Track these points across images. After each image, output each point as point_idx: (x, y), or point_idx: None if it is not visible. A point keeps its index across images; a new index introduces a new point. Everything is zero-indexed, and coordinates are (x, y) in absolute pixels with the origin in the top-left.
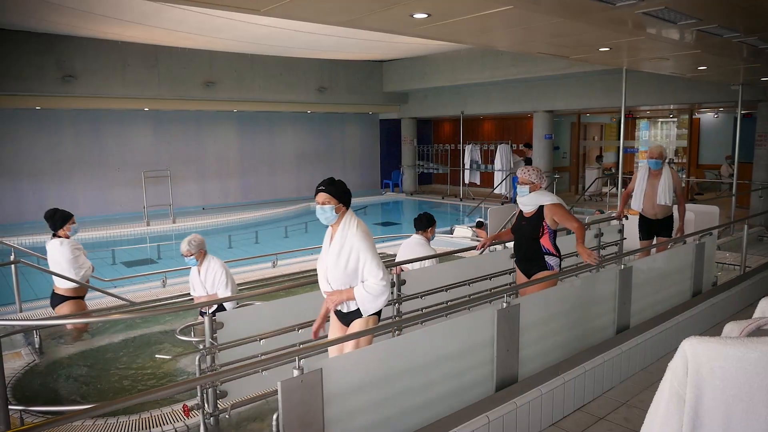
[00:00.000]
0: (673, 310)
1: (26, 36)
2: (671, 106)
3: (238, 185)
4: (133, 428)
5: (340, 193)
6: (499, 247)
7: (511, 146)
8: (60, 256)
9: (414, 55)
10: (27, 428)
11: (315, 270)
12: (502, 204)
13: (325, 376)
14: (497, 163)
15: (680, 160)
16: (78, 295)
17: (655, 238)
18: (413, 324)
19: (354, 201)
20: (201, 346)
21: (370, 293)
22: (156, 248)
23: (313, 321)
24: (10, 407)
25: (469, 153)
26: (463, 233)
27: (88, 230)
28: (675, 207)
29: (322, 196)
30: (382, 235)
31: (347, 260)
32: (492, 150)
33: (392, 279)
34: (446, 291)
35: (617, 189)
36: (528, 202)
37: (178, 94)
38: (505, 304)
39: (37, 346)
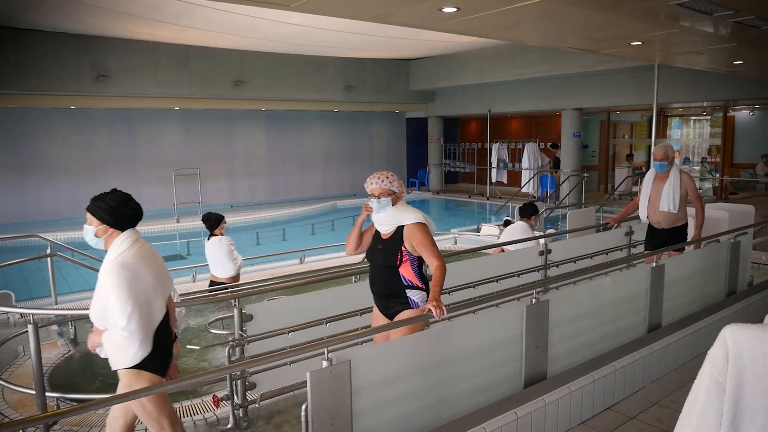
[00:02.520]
0: (707, 309)
1: (62, 37)
2: (704, 103)
3: (266, 183)
4: None
5: (100, 212)
6: (528, 244)
7: (539, 145)
8: (219, 251)
9: (441, 53)
10: (62, 412)
11: (342, 266)
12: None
13: (354, 367)
14: (525, 162)
15: (713, 159)
16: (234, 282)
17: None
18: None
19: None
20: (230, 339)
21: (112, 342)
22: (186, 244)
23: (342, 315)
24: (47, 394)
25: (496, 151)
26: (490, 231)
27: None
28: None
29: (88, 216)
30: None
31: (100, 297)
32: (519, 148)
33: None
34: (474, 287)
35: None
36: (384, 220)
37: (208, 93)
38: (534, 300)
39: (72, 336)
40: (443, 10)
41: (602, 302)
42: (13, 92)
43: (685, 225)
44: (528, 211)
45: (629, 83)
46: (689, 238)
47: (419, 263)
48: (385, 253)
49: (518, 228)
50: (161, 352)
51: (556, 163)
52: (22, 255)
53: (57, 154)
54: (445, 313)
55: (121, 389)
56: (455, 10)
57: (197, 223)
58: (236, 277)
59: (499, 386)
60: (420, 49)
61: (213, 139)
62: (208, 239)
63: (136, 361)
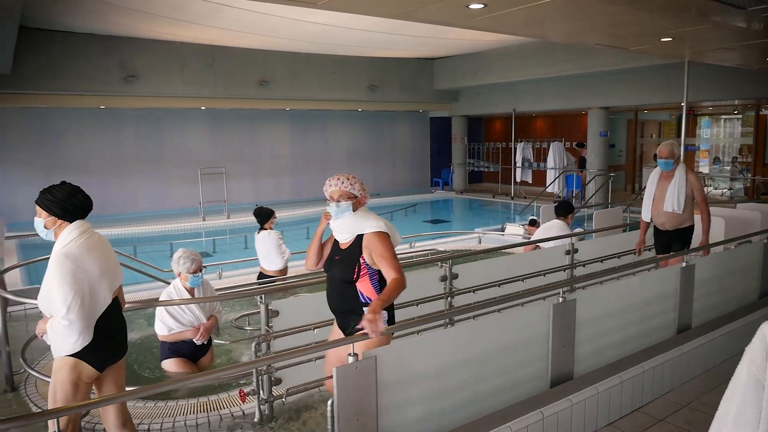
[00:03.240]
0: (739, 311)
1: (92, 38)
2: (735, 102)
3: (290, 183)
4: (191, 411)
5: (48, 204)
6: (554, 243)
7: (565, 144)
8: (268, 244)
9: (465, 52)
10: (92, 402)
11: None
12: (555, 202)
13: (379, 364)
14: (550, 161)
15: (744, 159)
16: (282, 275)
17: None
18: (466, 317)
19: (403, 199)
20: (257, 335)
21: (53, 330)
22: (212, 242)
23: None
24: None
25: (521, 151)
26: (514, 231)
27: (147, 225)
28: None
29: (36, 209)
30: (431, 232)
31: (45, 285)
32: (545, 148)
33: (446, 273)
34: (499, 286)
35: None
36: (342, 227)
37: (234, 93)
38: (561, 299)
39: None
40: (470, 6)
41: (630, 302)
42: (45, 93)
43: (691, 227)
44: (564, 210)
45: (657, 81)
46: (696, 242)
47: (381, 277)
48: (341, 265)
49: (555, 226)
50: (104, 344)
51: (582, 163)
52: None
53: (86, 154)
54: (382, 330)
55: (52, 375)
56: (482, 6)
57: (222, 221)
58: (284, 270)
59: (524, 385)
60: (444, 48)
61: (238, 138)
62: (258, 233)
63: (76, 349)
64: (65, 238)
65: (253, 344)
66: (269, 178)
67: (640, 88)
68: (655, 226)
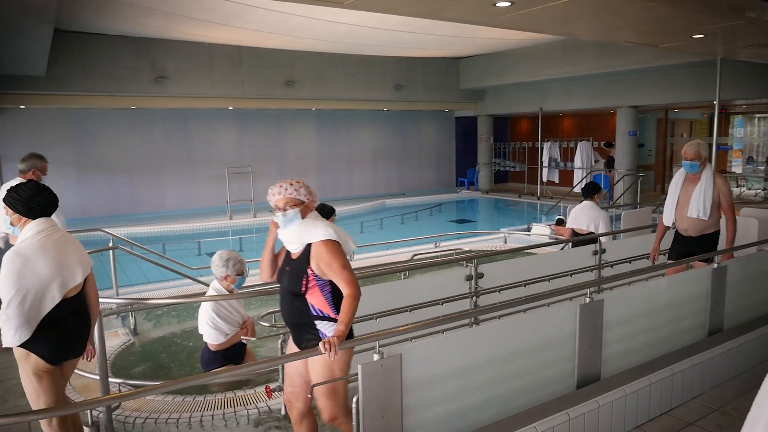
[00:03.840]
0: None
1: (123, 40)
2: None
3: (316, 182)
4: (218, 407)
5: (13, 202)
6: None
7: (593, 143)
8: None
9: (492, 51)
10: (124, 395)
11: (391, 263)
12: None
13: (405, 362)
14: (577, 161)
15: None
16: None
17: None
18: (491, 317)
19: (428, 199)
20: (282, 331)
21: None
22: (238, 241)
23: (392, 311)
24: (109, 380)
25: (548, 150)
26: (540, 231)
27: (175, 223)
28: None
29: (4, 206)
30: (456, 232)
31: None
32: (572, 147)
33: (472, 272)
34: (525, 286)
35: None
36: (291, 237)
37: (261, 93)
38: (588, 300)
39: (132, 327)
40: (497, 4)
41: (659, 304)
42: (78, 94)
43: (716, 233)
44: (591, 190)
45: (688, 79)
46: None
47: (334, 288)
48: (290, 276)
49: (585, 207)
50: (57, 339)
51: (610, 162)
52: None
53: (117, 153)
54: (336, 354)
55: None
56: (509, 4)
57: (249, 220)
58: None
59: (550, 386)
60: (470, 47)
61: (265, 138)
62: None
63: (14, 343)
64: (23, 236)
65: (279, 341)
66: (295, 177)
67: (671, 86)
68: (676, 231)
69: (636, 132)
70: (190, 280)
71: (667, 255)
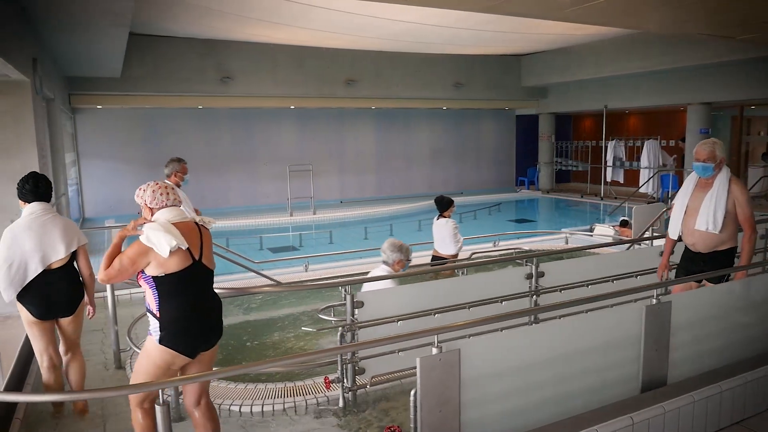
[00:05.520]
0: None
1: (191, 42)
2: None
3: (374, 180)
4: (279, 395)
5: (17, 188)
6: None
7: (661, 142)
8: (445, 231)
9: (554, 47)
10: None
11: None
12: (648, 203)
13: (463, 357)
14: (644, 161)
15: None
16: (454, 260)
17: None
18: (551, 317)
19: (487, 198)
20: (341, 325)
21: None
22: (298, 237)
23: (450, 307)
24: None
25: (612, 149)
26: (603, 232)
27: (238, 219)
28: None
29: None
30: (515, 231)
31: None
32: (638, 146)
33: (532, 271)
34: (587, 286)
35: None
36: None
37: (322, 92)
38: (654, 301)
39: None
40: None
41: (731, 308)
42: (149, 94)
43: (731, 250)
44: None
45: (766, 74)
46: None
47: (157, 285)
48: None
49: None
50: (39, 300)
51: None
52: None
53: (184, 151)
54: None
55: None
56: None
57: (309, 217)
58: (456, 256)
59: (612, 388)
60: (532, 44)
61: (325, 136)
62: (437, 219)
63: (6, 300)
64: (18, 216)
65: (338, 333)
66: (354, 176)
67: (747, 81)
68: (686, 245)
69: (708, 130)
70: (253, 273)
71: (673, 270)
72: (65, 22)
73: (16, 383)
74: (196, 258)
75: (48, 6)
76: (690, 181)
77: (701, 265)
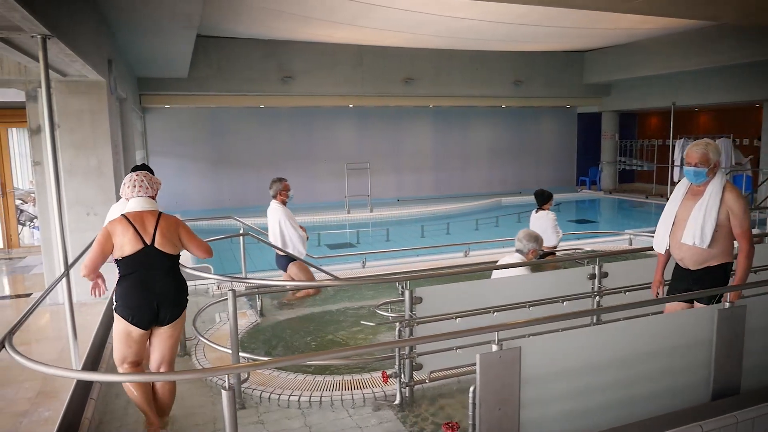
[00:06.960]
0: None
1: (254, 43)
2: None
3: (431, 179)
4: (337, 388)
5: None
6: None
7: (733, 141)
8: (544, 223)
9: (619, 43)
10: (255, 365)
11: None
12: None
13: (524, 355)
14: None
15: None
16: (552, 251)
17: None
18: (615, 318)
19: None
20: (400, 320)
21: None
22: (356, 234)
23: (510, 305)
24: (240, 354)
25: (680, 148)
26: None
27: (297, 215)
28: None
29: None
30: (576, 231)
31: None
32: None
33: (595, 271)
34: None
35: None
36: None
37: (380, 91)
38: (727, 305)
39: (258, 308)
40: None
41: None
42: (214, 94)
43: (723, 266)
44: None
45: None
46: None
47: (118, 265)
48: None
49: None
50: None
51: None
52: (219, 235)
53: (246, 149)
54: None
55: None
56: None
57: (366, 215)
58: (555, 248)
59: (680, 394)
60: (595, 39)
61: (382, 135)
62: (536, 212)
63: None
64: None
65: (397, 329)
66: (411, 174)
67: None
68: (676, 262)
69: None
70: (312, 268)
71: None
72: (139, 25)
73: (92, 365)
74: (148, 243)
75: (124, 10)
76: (680, 189)
77: (689, 282)
